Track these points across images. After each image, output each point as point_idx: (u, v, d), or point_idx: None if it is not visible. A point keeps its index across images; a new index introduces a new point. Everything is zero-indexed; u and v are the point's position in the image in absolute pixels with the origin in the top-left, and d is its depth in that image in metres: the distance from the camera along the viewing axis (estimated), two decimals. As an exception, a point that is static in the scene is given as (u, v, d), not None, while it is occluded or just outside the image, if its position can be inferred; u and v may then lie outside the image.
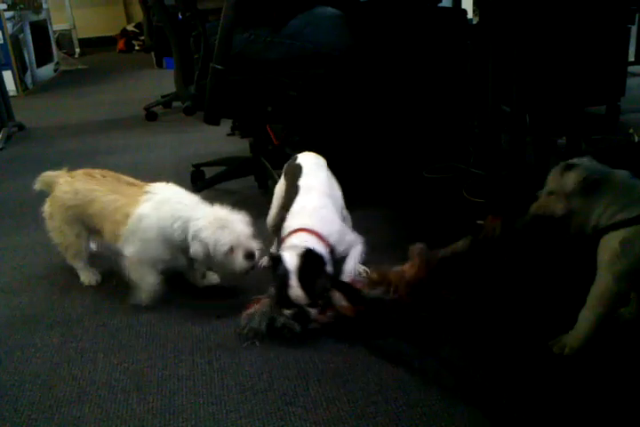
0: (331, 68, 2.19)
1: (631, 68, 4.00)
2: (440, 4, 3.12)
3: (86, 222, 1.71)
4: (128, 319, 1.58)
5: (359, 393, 1.26)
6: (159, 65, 4.93)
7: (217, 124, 2.14)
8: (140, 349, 1.46)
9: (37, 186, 1.78)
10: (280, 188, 1.79)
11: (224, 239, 1.50)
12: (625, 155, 2.49)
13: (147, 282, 1.61)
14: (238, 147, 3.00)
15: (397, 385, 1.27)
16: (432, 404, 1.21)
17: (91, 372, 1.38)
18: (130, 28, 7.47)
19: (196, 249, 1.52)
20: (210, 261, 1.55)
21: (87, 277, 1.78)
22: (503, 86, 2.83)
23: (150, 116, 3.83)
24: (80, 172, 1.75)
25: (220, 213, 1.56)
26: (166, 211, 1.56)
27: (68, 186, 1.71)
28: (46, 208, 1.76)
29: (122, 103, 4.42)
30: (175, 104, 3.97)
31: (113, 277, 1.77)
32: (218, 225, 1.52)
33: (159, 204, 1.58)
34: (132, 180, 1.71)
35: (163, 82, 4.64)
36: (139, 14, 6.08)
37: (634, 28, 3.75)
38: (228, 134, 3.30)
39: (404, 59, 2.70)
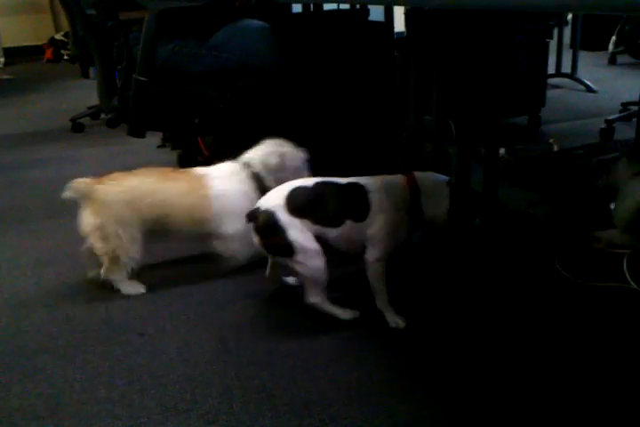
0: (259, 80, 2.19)
1: (551, 80, 4.20)
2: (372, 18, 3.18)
3: (145, 217, 1.65)
4: (44, 341, 1.51)
5: (283, 408, 1.24)
6: (85, 75, 4.80)
7: (142, 136, 2.10)
8: (56, 372, 1.40)
9: (68, 194, 1.64)
10: None
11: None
12: (545, 164, 2.59)
13: (245, 255, 1.69)
14: (169, 159, 2.94)
15: (321, 399, 1.26)
16: (354, 416, 1.21)
17: (3, 398, 1.31)
18: (58, 36, 7.24)
19: (270, 162, 1.69)
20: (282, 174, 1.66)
21: (132, 287, 1.71)
22: (428, 97, 2.91)
23: (77, 127, 3.72)
24: (115, 174, 1.70)
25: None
26: (236, 181, 1.70)
27: (115, 186, 1.65)
28: (90, 219, 1.64)
29: (47, 115, 4.26)
30: (103, 115, 3.86)
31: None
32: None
33: (226, 179, 1.71)
34: (168, 168, 1.77)
35: (90, 93, 4.50)
36: (67, 23, 5.91)
37: (552, 42, 3.95)
38: (159, 146, 3.23)
39: (333, 70, 2.73)
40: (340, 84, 2.77)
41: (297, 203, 1.44)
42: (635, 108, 3.13)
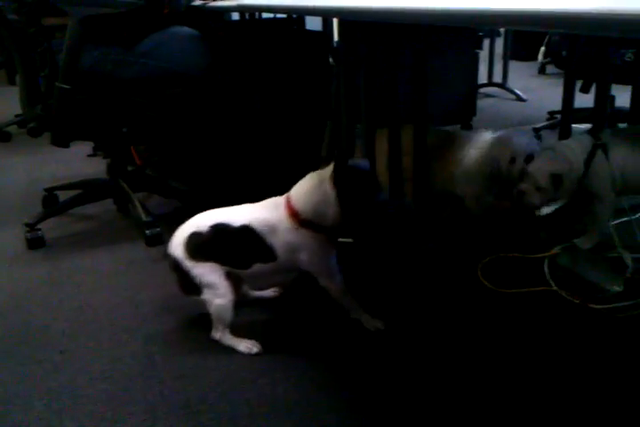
0: (188, 88, 2.15)
1: (483, 90, 4.33)
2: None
3: None
4: (-43, 362, 1.44)
5: (209, 423, 1.22)
6: (12, 82, 4.62)
7: (66, 146, 2.03)
8: (-32, 395, 1.32)
9: None
10: None
11: None
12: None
13: None
14: (100, 168, 2.86)
15: (249, 412, 1.24)
16: (281, 429, 1.20)
17: None
18: (-14, 41, 6.96)
19: None
20: None
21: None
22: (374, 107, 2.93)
23: (3, 136, 3.57)
24: None
25: None
26: None
27: None
28: None
29: (-27, 122, 4.08)
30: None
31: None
32: None
33: None
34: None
35: (17, 100, 4.34)
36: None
37: (485, 53, 4.08)
38: (89, 155, 3.14)
39: (267, 79, 2.72)
40: (276, 93, 2.77)
41: (196, 250, 1.42)
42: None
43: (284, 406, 1.26)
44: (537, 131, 3.11)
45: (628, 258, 1.66)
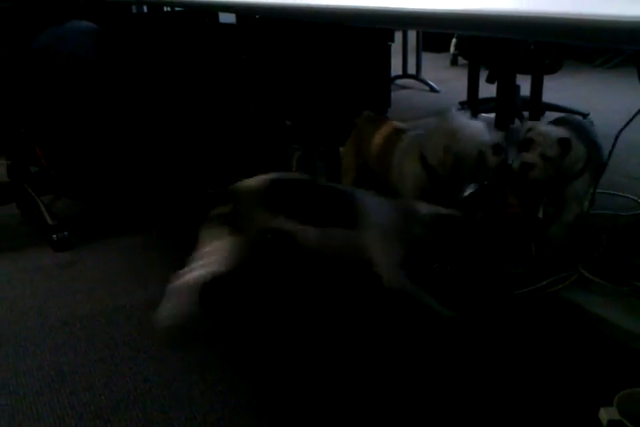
0: (88, 85, 2.06)
1: (399, 81, 4.42)
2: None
3: None
4: None
5: (121, 433, 1.18)
6: None
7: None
8: None
9: None
10: None
11: None
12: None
13: None
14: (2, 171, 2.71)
15: (163, 417, 1.21)
16: (196, 433, 1.18)
17: None
18: None
19: None
20: None
21: None
22: (285, 101, 2.93)
23: None
24: None
25: None
26: None
27: None
28: None
29: None
30: None
31: None
32: None
33: None
34: None
35: None
36: None
37: (396, 46, 4.15)
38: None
39: (173, 71, 2.64)
40: (184, 86, 2.70)
41: None
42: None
43: (201, 408, 1.24)
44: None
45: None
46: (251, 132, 2.81)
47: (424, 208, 1.49)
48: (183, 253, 1.90)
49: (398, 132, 1.86)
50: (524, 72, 2.91)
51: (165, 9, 2.95)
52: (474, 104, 2.99)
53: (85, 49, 2.02)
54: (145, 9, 2.83)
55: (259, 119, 2.72)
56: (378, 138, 1.90)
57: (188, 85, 2.68)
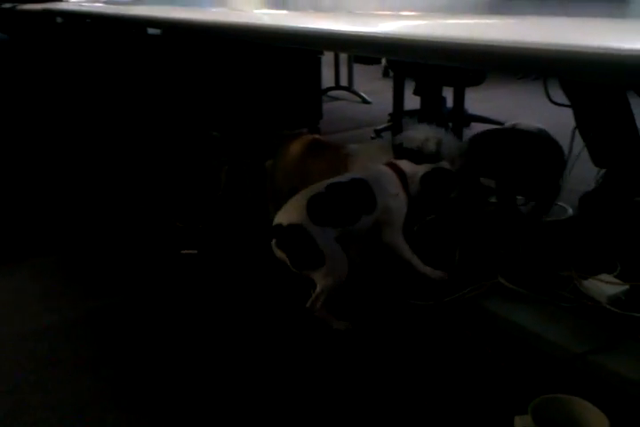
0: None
1: (332, 93, 4.46)
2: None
3: None
4: None
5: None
6: None
7: None
8: None
9: None
10: None
11: None
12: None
13: None
14: None
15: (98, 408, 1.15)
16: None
17: None
18: None
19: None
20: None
21: None
22: (214, 112, 2.89)
23: None
24: None
25: None
26: None
27: None
28: None
29: None
30: None
31: None
32: None
33: None
34: None
35: None
36: None
37: (328, 58, 4.19)
38: None
39: (92, 81, 2.57)
40: (106, 97, 2.63)
41: (319, 213, 1.47)
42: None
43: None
44: (378, 132, 3.24)
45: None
46: (176, 143, 2.75)
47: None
48: (97, 275, 1.83)
49: (345, 157, 1.87)
50: (449, 84, 2.98)
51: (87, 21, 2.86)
52: (399, 115, 3.03)
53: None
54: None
55: (185, 130, 2.68)
56: (319, 164, 1.89)
57: (107, 95, 2.61)
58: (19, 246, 2.03)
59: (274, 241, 1.48)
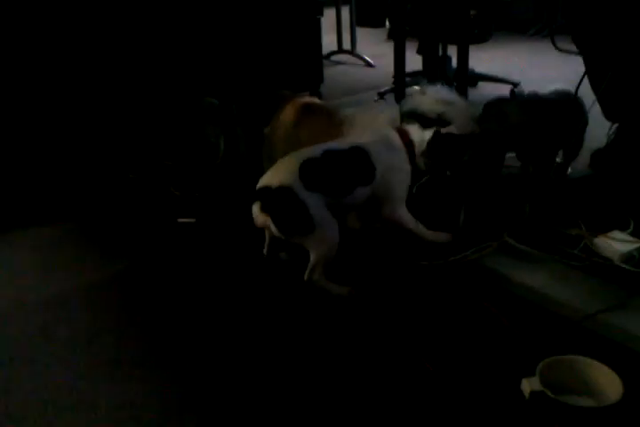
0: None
1: (334, 57, 4.34)
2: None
3: None
4: None
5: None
6: None
7: None
8: None
9: None
10: None
11: None
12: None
13: None
14: None
15: (68, 422, 1.12)
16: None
17: None
18: None
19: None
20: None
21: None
22: (208, 79, 2.80)
23: None
24: None
25: None
26: None
27: None
28: None
29: None
30: None
31: None
32: None
33: None
34: None
35: None
36: None
37: (330, 21, 4.05)
38: None
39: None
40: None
41: (311, 178, 1.40)
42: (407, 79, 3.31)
43: (106, 410, 1.15)
44: (382, 95, 3.14)
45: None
46: (174, 110, 2.67)
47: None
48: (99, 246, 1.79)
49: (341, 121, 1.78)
50: (453, 42, 2.86)
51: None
52: (402, 77, 2.92)
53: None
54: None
55: (182, 97, 2.60)
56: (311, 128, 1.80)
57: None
58: (13, 216, 1.99)
59: (257, 204, 1.41)
